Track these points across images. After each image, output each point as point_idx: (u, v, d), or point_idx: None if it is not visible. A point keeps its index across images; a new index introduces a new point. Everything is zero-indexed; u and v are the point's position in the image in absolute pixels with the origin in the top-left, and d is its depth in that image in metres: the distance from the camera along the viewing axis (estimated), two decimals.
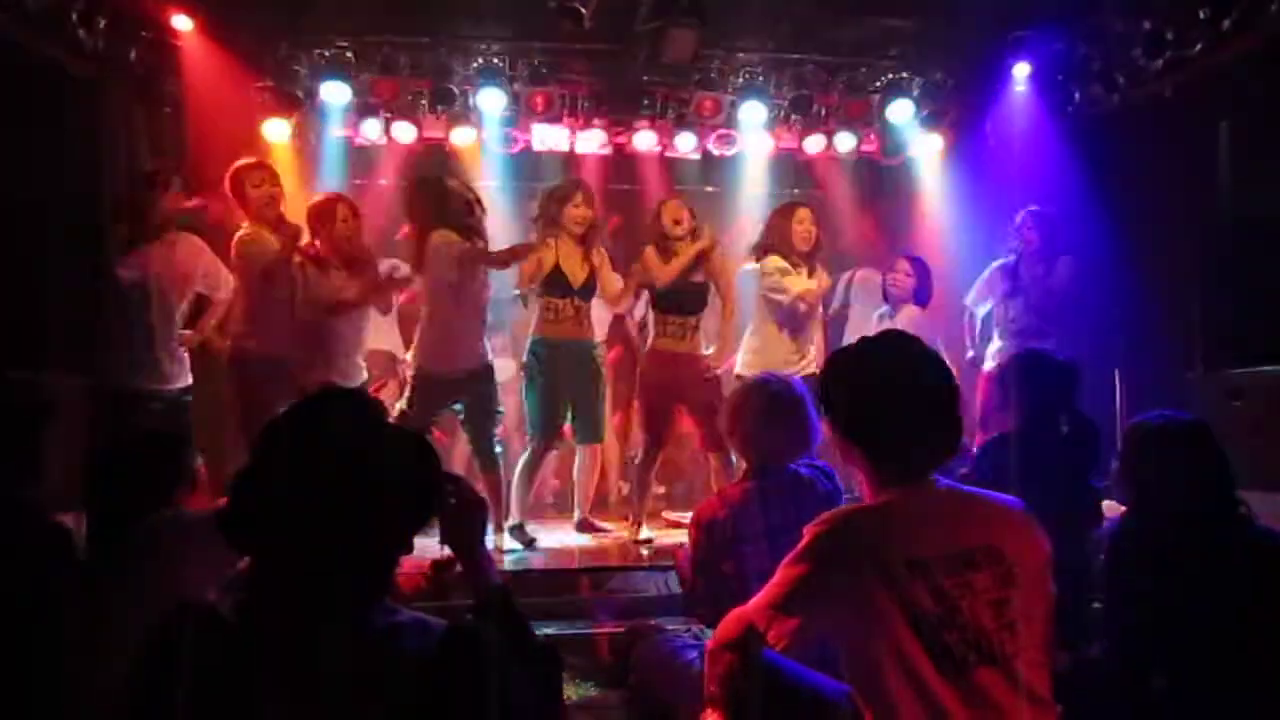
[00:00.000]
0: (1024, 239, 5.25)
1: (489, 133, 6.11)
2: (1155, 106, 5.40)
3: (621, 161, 6.63)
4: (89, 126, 5.04)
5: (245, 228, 4.43)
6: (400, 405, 4.55)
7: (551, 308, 4.74)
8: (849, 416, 1.82)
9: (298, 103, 5.81)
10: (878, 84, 6.24)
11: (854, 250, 6.89)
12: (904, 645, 1.60)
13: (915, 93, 6.23)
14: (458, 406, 4.65)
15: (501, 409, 4.72)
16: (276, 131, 5.86)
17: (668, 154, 6.49)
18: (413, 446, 1.45)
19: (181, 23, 5.22)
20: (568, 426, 4.95)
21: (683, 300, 4.83)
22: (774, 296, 4.88)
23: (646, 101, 6.15)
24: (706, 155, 6.53)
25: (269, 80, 5.75)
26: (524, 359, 4.84)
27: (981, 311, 5.52)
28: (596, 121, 6.23)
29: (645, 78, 5.99)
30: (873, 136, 6.51)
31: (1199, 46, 4.88)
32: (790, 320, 4.91)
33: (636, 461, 5.00)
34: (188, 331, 4.57)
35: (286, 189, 4.60)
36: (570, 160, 6.50)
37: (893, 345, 1.87)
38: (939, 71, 6.25)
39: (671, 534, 5.06)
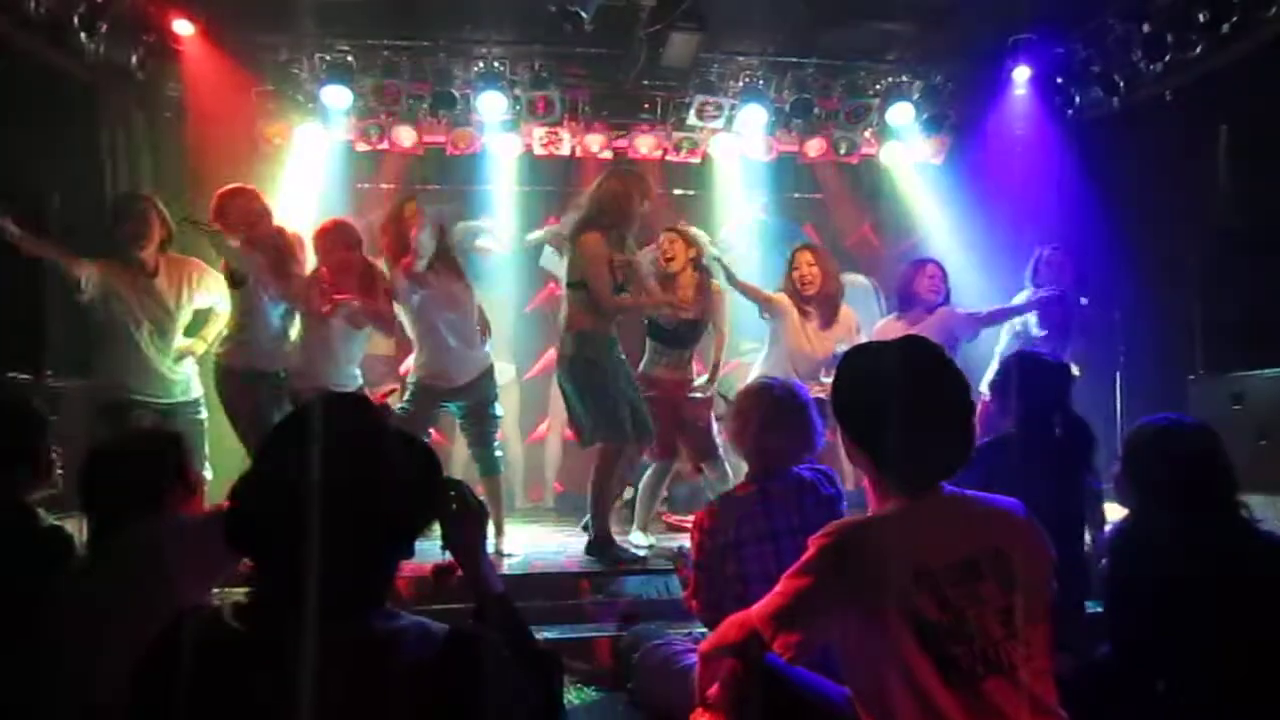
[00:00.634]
0: (1056, 278, 5.15)
1: (489, 137, 6.12)
2: (1155, 109, 5.41)
3: (621, 165, 6.63)
4: (90, 131, 5.05)
5: (232, 242, 4.44)
6: (399, 405, 4.55)
7: None
8: (858, 422, 1.80)
9: (298, 107, 5.82)
10: (878, 87, 6.25)
11: (856, 251, 6.90)
12: (909, 656, 1.59)
13: (915, 96, 6.24)
14: (455, 408, 4.65)
15: (501, 412, 4.72)
16: (277, 136, 5.87)
17: (668, 158, 6.49)
18: (413, 451, 1.45)
19: (183, 27, 5.24)
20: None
21: (681, 336, 4.82)
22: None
23: (646, 105, 6.16)
24: (706, 159, 6.53)
25: (270, 85, 5.77)
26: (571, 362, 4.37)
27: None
28: (596, 125, 6.23)
29: (645, 82, 6.01)
30: (873, 140, 6.51)
31: (1198, 50, 4.89)
32: (794, 357, 4.90)
33: (646, 474, 4.95)
34: (188, 341, 4.57)
35: (286, 194, 4.59)
36: (570, 164, 6.51)
37: (908, 352, 1.82)
38: (939, 75, 6.26)
39: (672, 537, 5.06)
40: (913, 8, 5.52)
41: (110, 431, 4.11)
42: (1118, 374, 5.49)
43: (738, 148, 6.40)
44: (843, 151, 6.49)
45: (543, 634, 3.24)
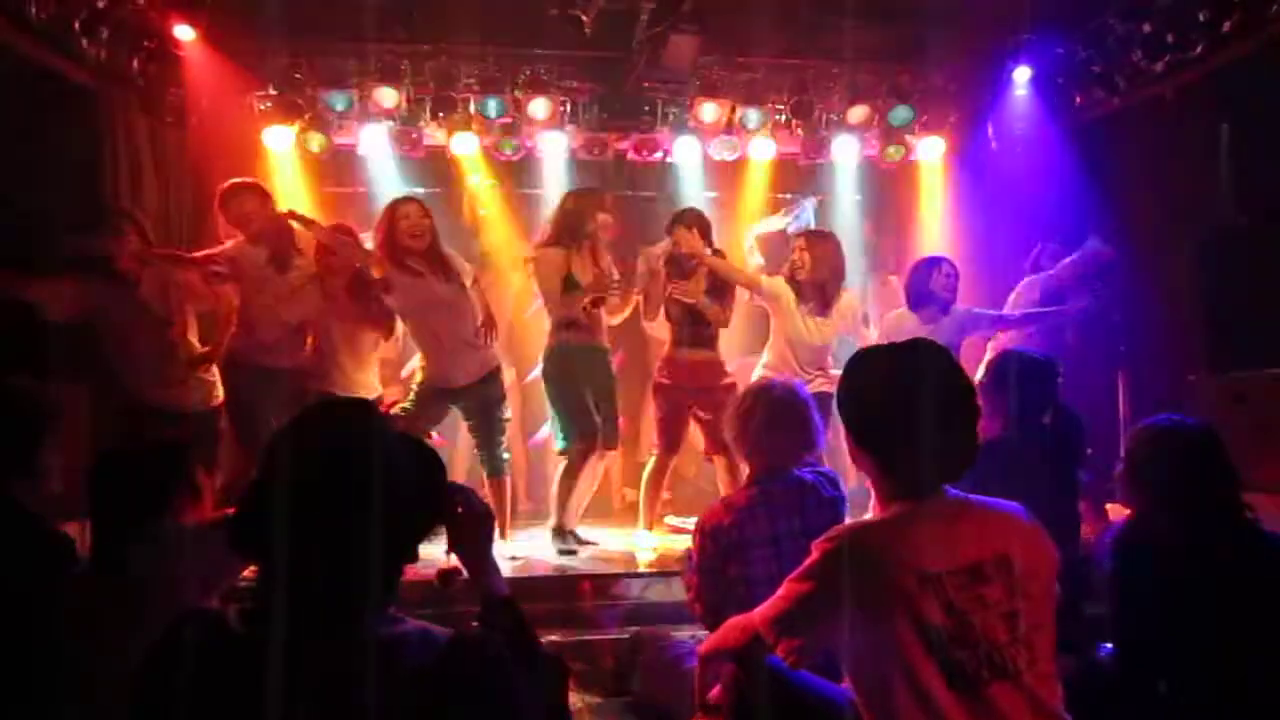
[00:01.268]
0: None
1: (489, 140, 6.12)
2: (1156, 109, 5.40)
3: (622, 168, 6.64)
4: (91, 136, 5.05)
5: (225, 244, 4.45)
6: (403, 405, 4.56)
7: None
8: (863, 425, 1.79)
9: (299, 111, 5.83)
10: (879, 88, 6.24)
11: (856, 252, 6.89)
12: (914, 661, 1.58)
13: (916, 97, 6.24)
14: (460, 409, 4.65)
15: (508, 414, 4.71)
16: (278, 140, 5.88)
17: (668, 160, 6.49)
18: (417, 455, 1.45)
19: (183, 32, 5.23)
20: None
21: (695, 315, 4.80)
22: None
23: (647, 108, 6.16)
24: (708, 160, 6.53)
25: (271, 89, 5.77)
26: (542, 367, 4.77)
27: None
28: (597, 128, 6.23)
29: (646, 84, 6.01)
30: (874, 141, 6.51)
31: (1199, 49, 4.88)
32: (796, 348, 4.87)
33: (647, 469, 4.96)
34: (204, 349, 4.54)
35: (289, 195, 4.60)
36: (572, 166, 6.52)
37: (913, 356, 1.81)
38: (940, 75, 6.26)
39: (675, 539, 5.06)
40: (914, 8, 5.52)
41: (123, 438, 4.11)
42: (1119, 373, 5.48)
43: (738, 149, 6.39)
44: (843, 153, 6.48)
45: (545, 637, 3.24)
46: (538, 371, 6.22)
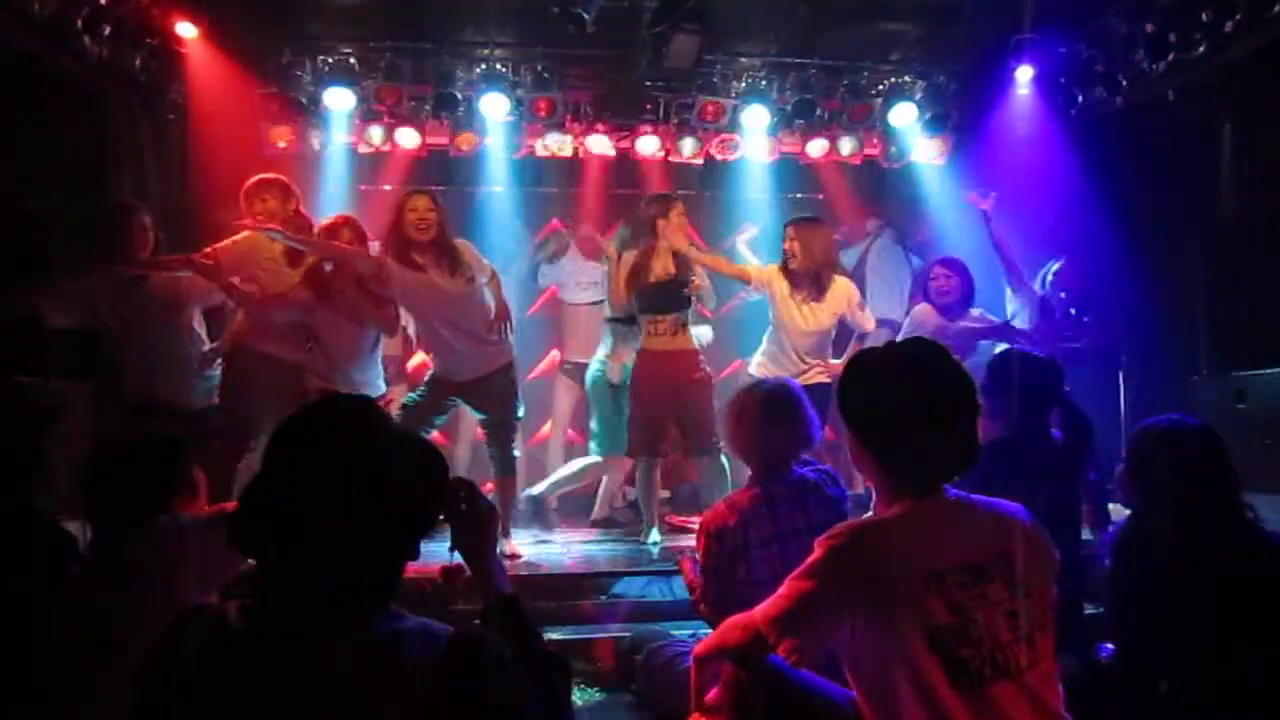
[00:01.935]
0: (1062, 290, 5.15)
1: (492, 138, 6.12)
2: (1158, 109, 5.40)
3: (624, 166, 6.64)
4: (93, 134, 5.05)
5: (246, 232, 4.46)
6: (411, 395, 4.56)
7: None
8: (864, 425, 1.80)
9: (301, 109, 5.83)
10: (881, 88, 6.24)
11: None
12: (918, 659, 1.58)
13: (918, 96, 6.24)
14: (471, 405, 4.65)
15: (521, 412, 4.70)
16: (280, 138, 5.88)
17: (670, 159, 6.49)
18: (419, 452, 1.45)
19: (185, 30, 5.24)
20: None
21: (662, 300, 4.77)
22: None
23: (649, 106, 6.16)
24: (709, 160, 6.53)
25: (273, 87, 5.78)
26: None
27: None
28: (599, 127, 6.23)
29: (648, 83, 6.00)
30: (876, 140, 6.51)
31: (1202, 49, 4.88)
32: (793, 337, 4.87)
33: (637, 474, 4.94)
34: (213, 345, 4.55)
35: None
36: (573, 165, 6.52)
37: (913, 354, 1.82)
38: (942, 75, 6.26)
39: (676, 539, 5.07)
40: (915, 8, 5.51)
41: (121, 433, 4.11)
42: (1121, 374, 5.48)
43: (740, 149, 6.39)
44: (845, 152, 6.48)
45: (547, 634, 3.24)
46: (539, 370, 6.29)
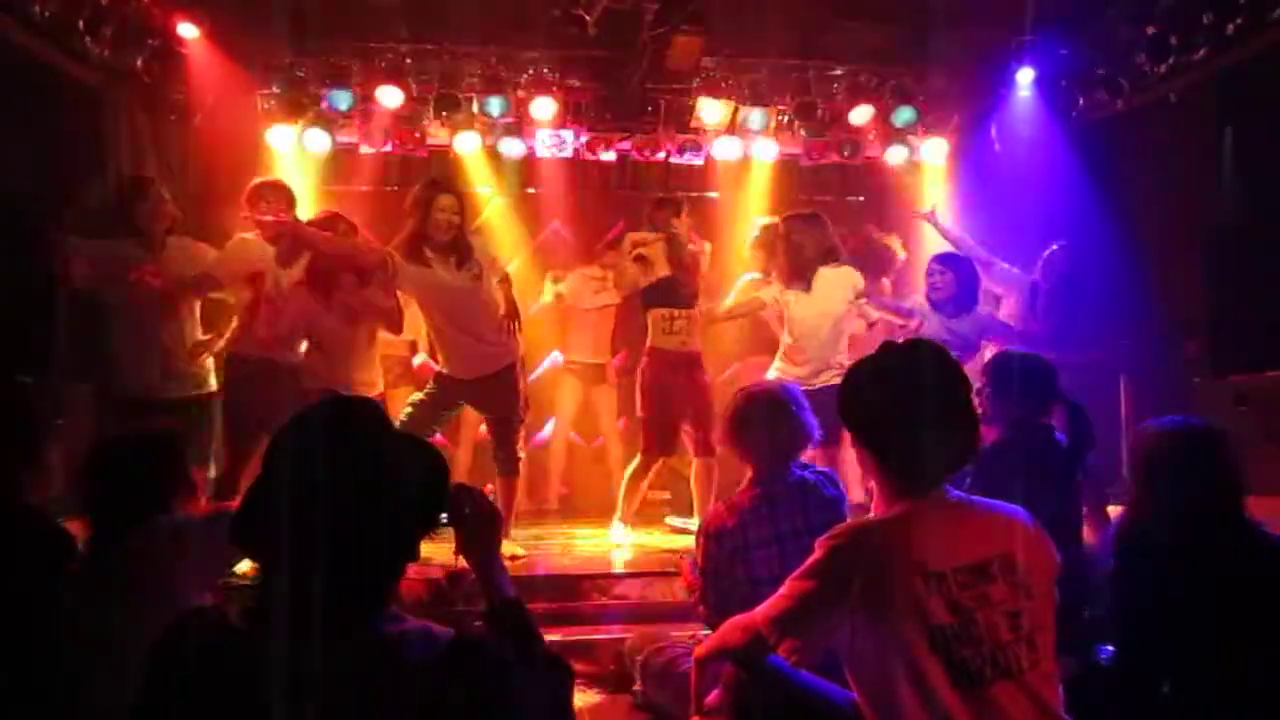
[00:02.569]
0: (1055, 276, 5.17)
1: (493, 139, 6.13)
2: (1159, 111, 5.40)
3: (625, 168, 6.64)
4: (94, 133, 5.06)
5: (245, 235, 4.46)
6: (416, 395, 4.56)
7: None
8: (863, 426, 1.81)
9: (302, 109, 5.83)
10: (882, 89, 6.24)
11: (859, 253, 6.88)
12: (919, 659, 1.58)
13: (919, 98, 6.23)
14: (474, 405, 4.65)
15: (525, 413, 4.66)
16: (281, 138, 5.88)
17: (671, 160, 6.49)
18: (420, 454, 1.45)
19: (187, 30, 5.25)
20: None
21: (681, 292, 4.80)
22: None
23: (650, 108, 6.16)
24: (709, 161, 6.53)
25: (274, 87, 5.78)
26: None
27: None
28: (600, 128, 6.23)
29: (649, 85, 6.01)
30: (876, 142, 6.51)
31: (1203, 52, 4.88)
32: (799, 335, 4.86)
33: (630, 468, 4.93)
34: (205, 337, 4.56)
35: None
36: (574, 167, 6.53)
37: (909, 355, 1.83)
38: (943, 77, 6.26)
39: (659, 539, 5.07)
40: (917, 9, 5.52)
41: (121, 430, 4.11)
42: (1121, 375, 5.48)
43: (741, 150, 6.39)
44: (846, 154, 6.48)
45: (545, 636, 3.24)
46: (537, 372, 6.29)
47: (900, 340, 2.03)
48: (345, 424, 1.37)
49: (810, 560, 1.71)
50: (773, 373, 4.88)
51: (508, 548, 4.43)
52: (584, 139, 6.27)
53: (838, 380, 4.72)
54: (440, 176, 4.95)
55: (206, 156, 5.53)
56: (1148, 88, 5.41)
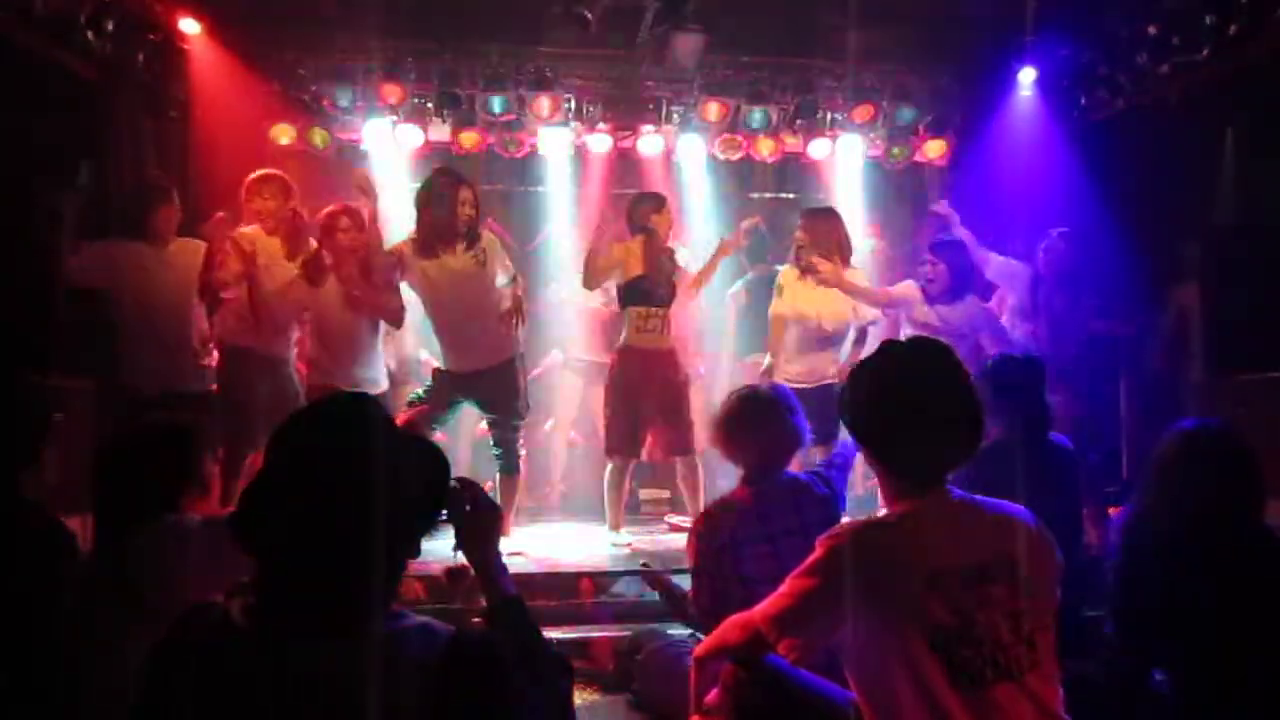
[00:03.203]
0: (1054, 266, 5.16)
1: (494, 137, 6.13)
2: (1160, 112, 5.39)
3: (626, 165, 6.64)
4: (96, 130, 5.06)
5: (244, 228, 4.46)
6: (416, 392, 4.55)
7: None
8: (863, 425, 1.80)
9: (304, 107, 5.83)
10: (883, 89, 6.24)
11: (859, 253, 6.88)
12: (919, 659, 1.58)
13: (921, 97, 6.23)
14: (476, 403, 4.63)
15: (526, 409, 4.66)
16: (282, 136, 5.88)
17: (673, 158, 6.49)
18: (420, 450, 1.45)
19: (189, 27, 5.25)
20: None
21: (656, 291, 4.74)
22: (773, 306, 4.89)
23: (651, 106, 6.16)
24: (711, 160, 6.53)
25: (276, 85, 5.78)
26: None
27: None
28: (601, 125, 6.23)
29: (650, 82, 6.01)
30: (878, 141, 6.51)
31: (1205, 52, 4.88)
32: (804, 333, 4.84)
33: (606, 476, 4.83)
34: (204, 334, 4.56)
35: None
36: (575, 165, 6.52)
37: (909, 354, 1.82)
38: (944, 76, 6.26)
39: (672, 538, 5.07)
40: (919, 9, 5.52)
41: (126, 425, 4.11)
42: (1121, 375, 5.48)
43: (742, 149, 6.39)
44: (847, 153, 6.48)
45: (545, 634, 3.25)
46: (536, 371, 6.29)
47: (902, 338, 2.03)
48: (346, 421, 1.37)
49: (811, 558, 1.71)
50: (777, 375, 4.86)
51: (508, 545, 4.44)
52: (585, 137, 6.26)
53: (833, 379, 4.74)
54: (450, 167, 4.93)
55: (207, 153, 5.52)
56: (1149, 88, 5.41)
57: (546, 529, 5.44)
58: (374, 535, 1.31)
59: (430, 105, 5.96)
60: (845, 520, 2.31)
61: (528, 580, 4.09)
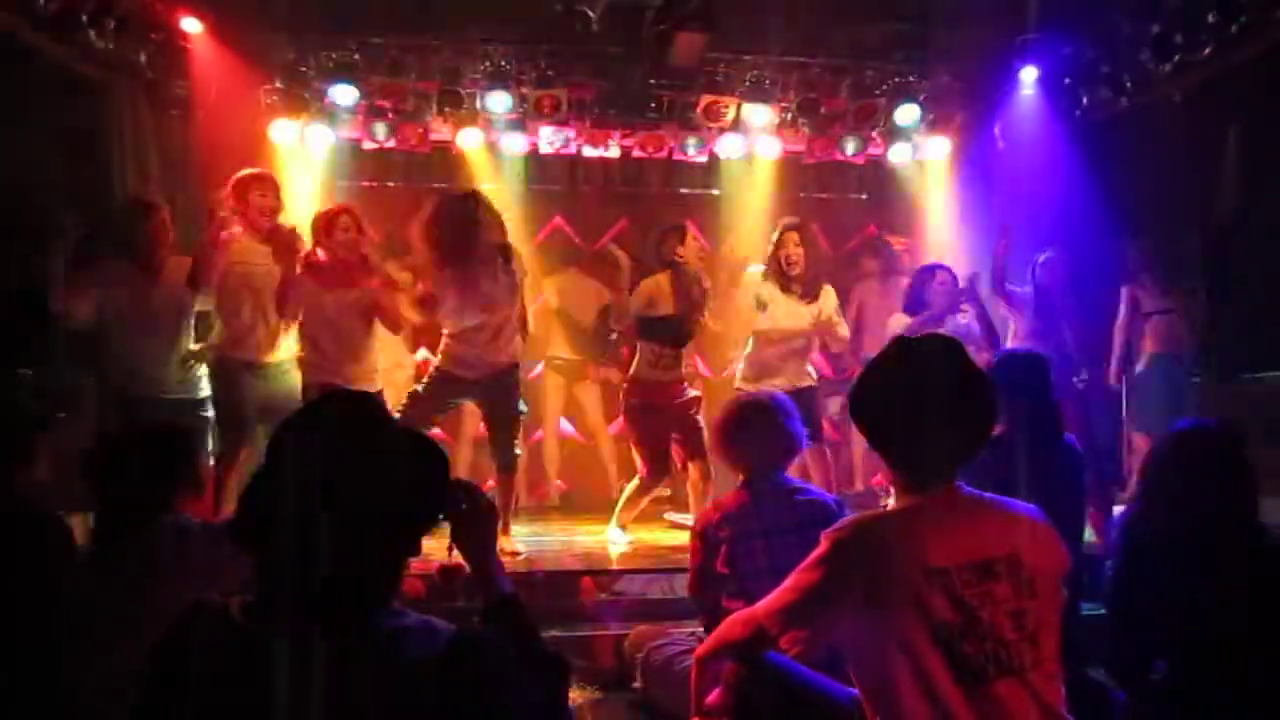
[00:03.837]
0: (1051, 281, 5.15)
1: (496, 135, 6.12)
2: (1163, 110, 5.39)
3: (628, 164, 6.63)
4: (98, 128, 5.06)
5: (234, 236, 4.44)
6: (415, 387, 4.55)
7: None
8: (871, 423, 1.81)
9: (306, 105, 5.83)
10: (885, 87, 6.22)
11: (860, 252, 6.88)
12: (921, 655, 1.58)
13: (922, 96, 6.22)
14: (474, 402, 4.64)
15: (524, 409, 4.68)
16: (284, 134, 5.88)
17: (674, 157, 6.48)
18: (420, 449, 1.45)
19: (190, 25, 5.24)
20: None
21: (681, 332, 4.78)
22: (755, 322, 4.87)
23: (653, 105, 6.15)
24: (713, 158, 6.52)
25: (277, 82, 5.77)
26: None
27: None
28: (603, 124, 6.22)
29: (652, 81, 6.00)
30: (880, 140, 6.49)
31: (1207, 51, 4.87)
32: (779, 342, 4.83)
33: (632, 485, 4.88)
34: (197, 347, 4.53)
35: (294, 191, 4.60)
36: (576, 163, 6.51)
37: (918, 350, 1.82)
38: (946, 75, 6.24)
39: (672, 536, 5.07)
40: (921, 7, 5.51)
41: (120, 427, 4.10)
42: (1122, 376, 5.47)
43: (744, 147, 6.38)
44: (849, 152, 6.46)
45: (545, 633, 3.24)
46: (537, 369, 6.30)
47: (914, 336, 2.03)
48: (346, 419, 1.38)
49: (816, 552, 1.71)
50: (742, 382, 4.85)
51: (507, 544, 4.44)
52: (586, 135, 6.26)
53: (810, 381, 4.83)
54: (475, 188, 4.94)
55: (209, 152, 5.51)
56: (1152, 87, 5.39)
57: (546, 527, 5.44)
58: (374, 533, 1.32)
59: (431, 103, 5.94)
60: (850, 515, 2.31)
61: (528, 578, 4.09)
